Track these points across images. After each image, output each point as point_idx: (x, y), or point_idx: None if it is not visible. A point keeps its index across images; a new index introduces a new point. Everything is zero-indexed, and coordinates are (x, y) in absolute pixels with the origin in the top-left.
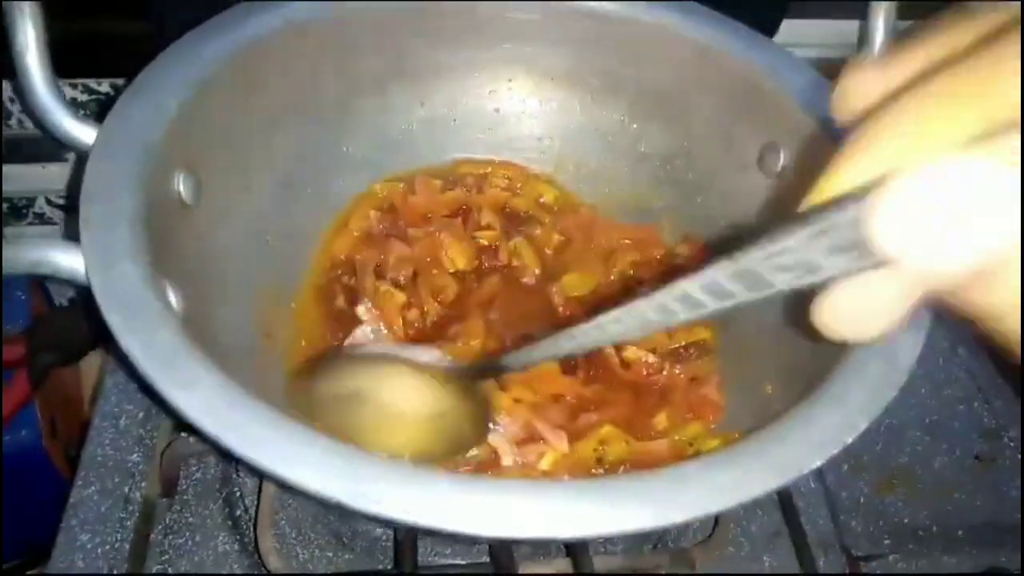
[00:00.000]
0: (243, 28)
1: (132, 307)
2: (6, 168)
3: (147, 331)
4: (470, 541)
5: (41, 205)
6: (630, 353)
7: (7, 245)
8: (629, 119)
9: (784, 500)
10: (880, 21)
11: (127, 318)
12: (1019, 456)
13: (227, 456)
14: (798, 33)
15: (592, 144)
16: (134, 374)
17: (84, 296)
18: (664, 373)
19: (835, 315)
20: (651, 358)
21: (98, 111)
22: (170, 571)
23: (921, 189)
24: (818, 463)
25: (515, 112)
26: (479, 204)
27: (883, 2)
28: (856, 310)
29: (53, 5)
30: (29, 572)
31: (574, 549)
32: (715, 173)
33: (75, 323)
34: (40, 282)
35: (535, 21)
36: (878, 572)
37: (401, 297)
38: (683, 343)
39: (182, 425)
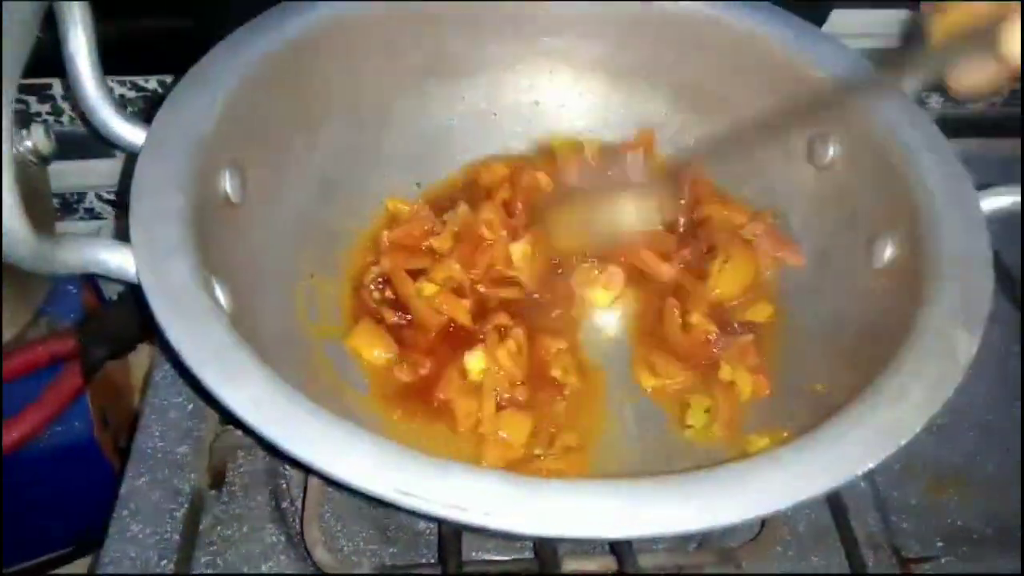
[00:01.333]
0: (287, 26)
1: (181, 304)
2: (58, 165)
3: (195, 328)
4: (514, 538)
5: (91, 200)
6: (695, 319)
7: (60, 247)
8: (672, 110)
9: (833, 500)
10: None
11: (176, 315)
12: None
13: (275, 454)
14: (848, 22)
15: (636, 136)
16: (182, 369)
17: (134, 291)
18: (719, 349)
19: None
20: (713, 330)
21: (145, 108)
22: (219, 562)
23: None
24: (873, 464)
25: (556, 105)
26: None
27: None
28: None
29: (102, 3)
30: (78, 560)
31: (618, 547)
32: (761, 164)
33: (125, 317)
34: (91, 276)
35: (575, 13)
36: (930, 574)
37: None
38: (745, 319)
39: (230, 418)
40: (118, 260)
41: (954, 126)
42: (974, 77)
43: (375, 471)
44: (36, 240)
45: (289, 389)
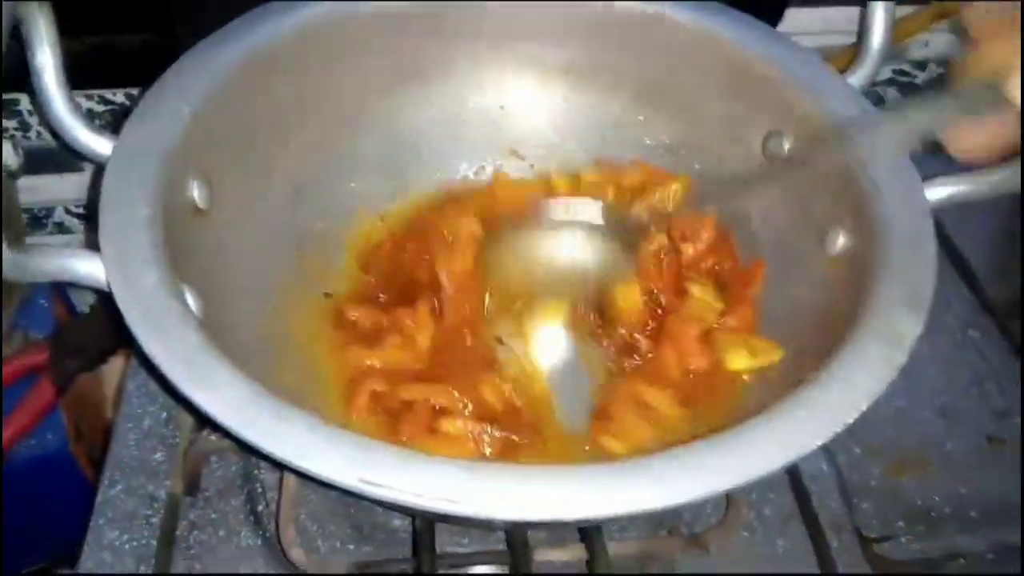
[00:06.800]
0: (253, 35)
1: (152, 312)
2: (27, 180)
3: (167, 334)
4: (486, 529)
5: (60, 214)
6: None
7: (32, 255)
8: (634, 111)
9: (796, 483)
10: (880, 9)
11: (147, 322)
12: None
13: (248, 451)
14: (802, 21)
15: (599, 137)
16: (156, 375)
17: (106, 301)
18: None
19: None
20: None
21: (113, 121)
22: (196, 566)
23: None
24: (818, 443)
25: (522, 108)
26: None
27: None
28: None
29: (70, 17)
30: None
31: (588, 535)
32: (720, 161)
33: (97, 329)
34: (62, 289)
35: (538, 18)
36: (891, 553)
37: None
38: None
39: (203, 424)
40: (89, 268)
41: None
42: (980, 134)
43: (340, 463)
44: (8, 249)
45: (259, 390)
